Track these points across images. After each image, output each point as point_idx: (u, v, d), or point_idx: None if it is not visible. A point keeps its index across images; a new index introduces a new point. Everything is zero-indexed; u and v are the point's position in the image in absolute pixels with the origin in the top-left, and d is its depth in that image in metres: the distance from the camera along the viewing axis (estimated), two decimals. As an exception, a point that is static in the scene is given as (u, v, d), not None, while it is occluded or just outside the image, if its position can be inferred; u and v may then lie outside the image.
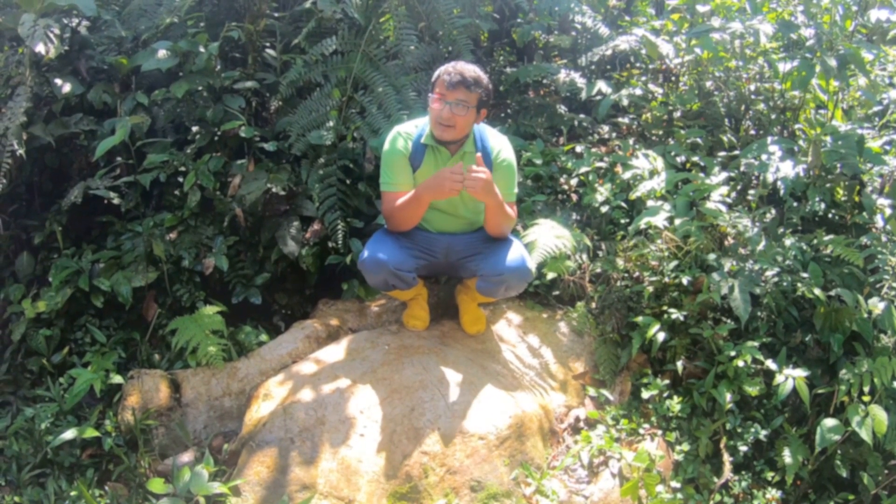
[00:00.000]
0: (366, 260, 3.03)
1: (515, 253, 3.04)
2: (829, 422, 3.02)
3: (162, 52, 3.73)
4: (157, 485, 2.68)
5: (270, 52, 4.04)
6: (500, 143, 3.07)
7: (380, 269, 3.00)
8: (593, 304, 3.44)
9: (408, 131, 3.05)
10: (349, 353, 3.09)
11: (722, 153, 4.10)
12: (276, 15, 4.07)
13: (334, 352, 3.13)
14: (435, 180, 2.87)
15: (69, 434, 3.07)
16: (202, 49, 3.61)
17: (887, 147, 3.93)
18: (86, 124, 3.78)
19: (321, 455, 2.72)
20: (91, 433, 3.07)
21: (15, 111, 3.73)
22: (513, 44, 4.26)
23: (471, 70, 2.88)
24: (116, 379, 3.29)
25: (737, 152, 4.05)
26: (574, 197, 3.75)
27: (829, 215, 3.81)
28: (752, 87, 4.53)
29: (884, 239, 3.55)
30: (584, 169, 3.66)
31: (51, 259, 3.82)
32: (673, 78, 4.69)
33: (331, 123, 3.57)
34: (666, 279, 3.31)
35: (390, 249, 3.02)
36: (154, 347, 3.57)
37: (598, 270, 3.48)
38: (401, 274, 3.01)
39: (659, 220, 3.29)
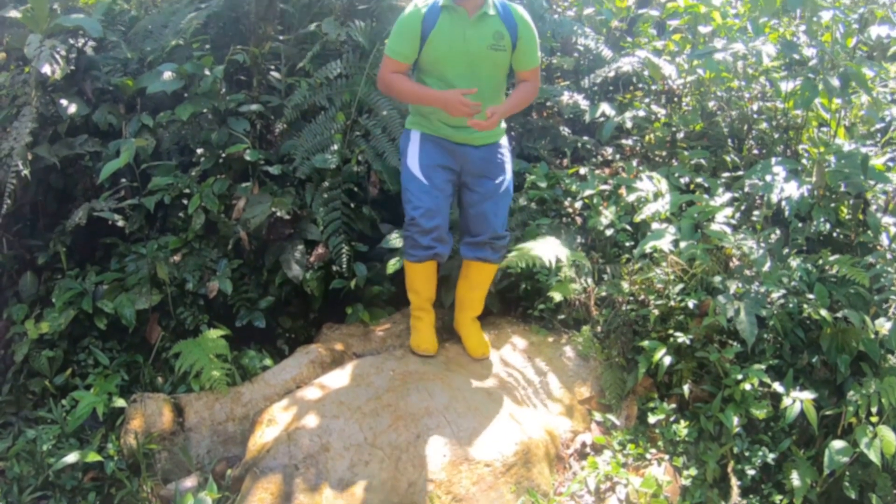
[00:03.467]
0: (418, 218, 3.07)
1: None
2: (838, 444, 2.98)
3: (167, 75, 3.71)
4: (159, 513, 2.63)
5: (275, 74, 4.02)
6: (521, 14, 3.09)
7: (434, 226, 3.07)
8: (599, 328, 3.40)
9: (426, 3, 3.05)
10: (354, 379, 3.05)
11: (726, 174, 4.08)
12: (280, 38, 4.05)
13: (339, 377, 3.09)
14: (444, 98, 2.93)
15: (71, 457, 3.02)
16: (207, 72, 3.59)
17: (890, 164, 3.89)
18: (91, 146, 3.76)
19: (326, 482, 2.67)
20: (93, 457, 3.03)
21: (20, 131, 3.71)
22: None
23: None
24: (119, 402, 3.25)
25: (740, 173, 4.03)
26: (579, 220, 3.72)
27: (835, 234, 3.78)
28: (755, 107, 4.51)
29: (889, 257, 3.51)
30: (588, 192, 3.63)
31: (54, 279, 3.79)
32: (676, 98, 4.67)
33: (335, 147, 3.54)
34: (672, 303, 3.27)
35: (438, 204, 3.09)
36: (157, 370, 3.53)
37: (604, 294, 3.44)
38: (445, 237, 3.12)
39: (664, 244, 3.26)
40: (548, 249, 3.21)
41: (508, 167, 3.23)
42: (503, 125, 3.26)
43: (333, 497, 2.62)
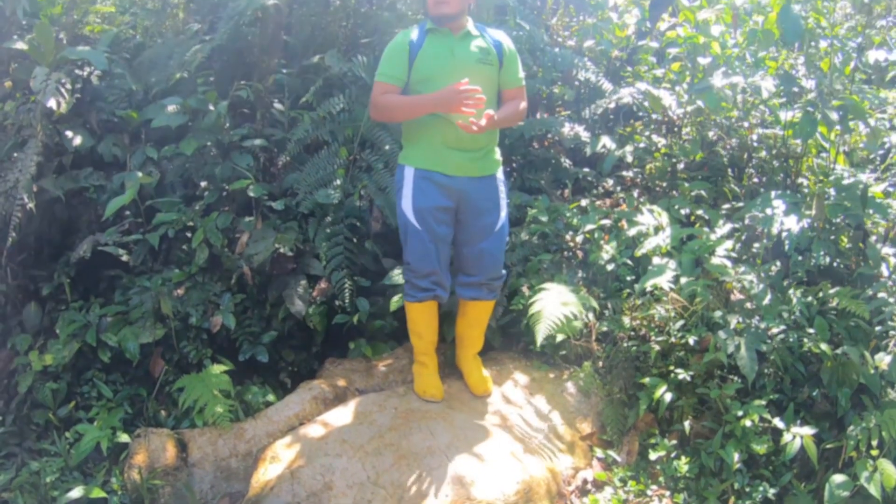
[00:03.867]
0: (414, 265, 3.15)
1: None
2: (838, 478, 2.99)
3: (171, 108, 3.75)
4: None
5: (279, 106, 4.06)
6: (502, 35, 3.24)
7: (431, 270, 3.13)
8: (600, 364, 3.43)
9: (412, 28, 3.17)
10: (357, 417, 3.08)
11: (726, 205, 4.11)
12: (284, 71, 4.10)
13: (342, 415, 3.12)
14: (440, 95, 2.96)
15: (76, 493, 3.05)
16: (211, 107, 3.63)
17: (891, 189, 3.92)
18: (96, 179, 3.81)
19: (329, 522, 2.69)
20: (98, 493, 3.06)
21: (25, 164, 3.75)
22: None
23: None
24: (123, 437, 3.28)
25: (741, 204, 4.06)
26: (580, 254, 3.75)
27: (835, 264, 3.80)
28: (755, 137, 4.55)
29: (890, 286, 3.53)
30: (589, 226, 3.66)
31: (58, 310, 3.83)
32: (676, 128, 4.71)
33: (338, 182, 3.59)
34: (672, 339, 3.31)
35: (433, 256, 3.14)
36: (161, 404, 3.56)
37: (605, 329, 3.47)
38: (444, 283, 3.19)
39: (664, 281, 3.29)
40: (556, 303, 3.22)
41: (504, 203, 3.25)
42: (499, 157, 3.28)
43: (336, 536, 2.65)
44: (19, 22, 4.38)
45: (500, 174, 3.27)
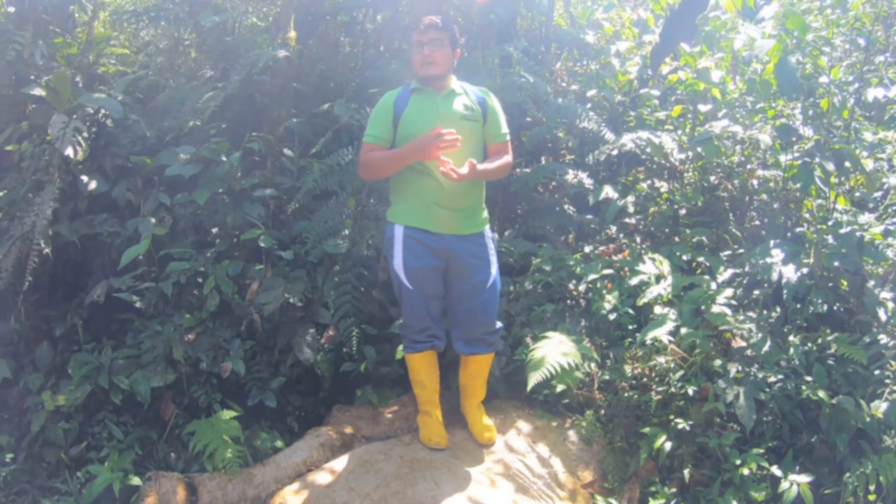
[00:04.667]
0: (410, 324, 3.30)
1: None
2: None
3: (183, 157, 3.91)
4: None
5: (288, 153, 4.21)
6: (485, 92, 3.42)
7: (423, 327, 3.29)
8: (602, 413, 3.54)
9: (397, 90, 3.34)
10: (363, 465, 3.19)
11: (727, 252, 4.24)
12: (294, 119, 4.26)
13: (349, 462, 3.23)
14: (418, 143, 3.09)
15: (88, 534, 3.17)
16: (224, 158, 3.78)
17: (891, 227, 4.03)
18: (110, 225, 3.95)
19: (335, 570, 2.80)
20: (110, 534, 3.17)
21: (41, 208, 3.91)
22: (521, 143, 4.45)
23: (437, 15, 3.27)
24: (135, 480, 3.40)
25: (742, 250, 4.19)
26: (583, 303, 3.88)
27: (835, 308, 3.90)
28: (756, 181, 4.69)
29: (884, 339, 3.63)
30: (592, 276, 3.78)
31: (70, 350, 3.97)
32: (678, 174, 4.85)
33: (346, 231, 3.72)
34: (672, 389, 3.42)
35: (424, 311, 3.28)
36: (170, 446, 3.68)
37: (607, 378, 3.58)
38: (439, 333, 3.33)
39: (663, 334, 3.41)
40: (556, 351, 3.34)
41: (494, 259, 3.35)
42: (486, 215, 3.39)
43: (343, 584, 2.75)
44: (36, 63, 4.56)
45: (487, 231, 3.38)
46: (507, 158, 3.36)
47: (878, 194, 4.63)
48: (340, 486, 3.08)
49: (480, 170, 3.14)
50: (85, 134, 3.92)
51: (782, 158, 4.32)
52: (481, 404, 3.51)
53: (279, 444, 3.53)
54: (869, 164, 4.28)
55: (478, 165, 3.10)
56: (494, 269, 3.33)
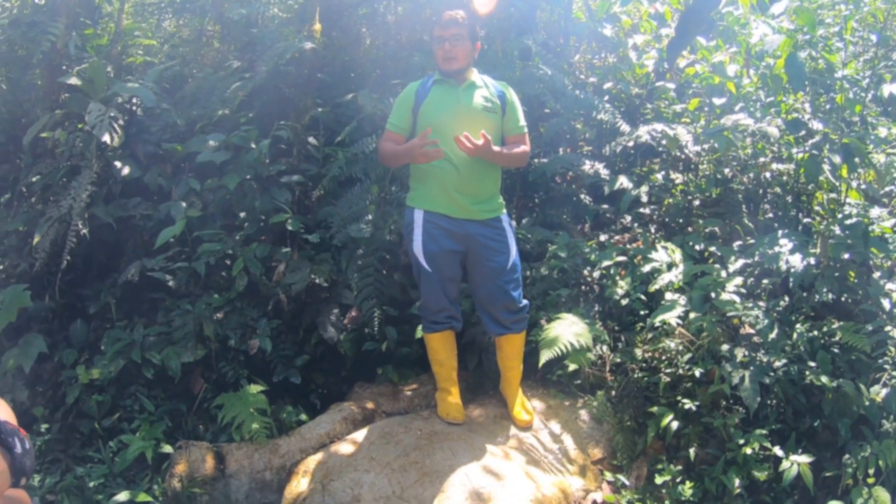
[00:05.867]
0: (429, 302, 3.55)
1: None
2: None
3: (212, 143, 4.20)
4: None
5: (313, 141, 4.50)
6: (504, 86, 3.65)
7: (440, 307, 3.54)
8: (612, 393, 3.79)
9: (419, 80, 3.62)
10: (383, 437, 3.47)
11: (739, 242, 4.47)
12: (319, 109, 4.54)
13: (370, 434, 3.51)
14: (407, 147, 3.36)
15: (122, 496, 3.45)
16: (253, 145, 4.07)
17: None
18: (144, 208, 4.24)
19: (357, 531, 3.07)
20: (144, 497, 3.45)
21: (78, 192, 4.20)
22: (540, 134, 4.71)
23: (457, 11, 3.50)
24: (166, 448, 3.69)
25: (752, 241, 4.42)
26: (597, 288, 4.13)
27: (843, 299, 4.12)
28: (769, 174, 4.92)
29: (888, 328, 3.85)
30: (606, 263, 4.04)
31: (103, 328, 4.27)
32: (692, 165, 5.09)
33: (369, 217, 4.00)
34: (680, 371, 3.67)
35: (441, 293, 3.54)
36: (199, 419, 3.97)
37: (618, 360, 3.84)
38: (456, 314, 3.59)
39: (672, 317, 3.66)
40: (568, 332, 3.60)
41: (512, 242, 3.59)
42: (502, 202, 3.64)
43: (364, 545, 3.03)
44: (69, 54, 4.87)
45: (504, 216, 3.63)
46: (524, 148, 3.60)
47: (893, 187, 4.83)
48: (362, 456, 3.36)
49: (496, 150, 3.39)
50: (120, 122, 4.21)
51: (794, 152, 4.54)
52: (520, 388, 3.75)
53: (303, 417, 3.82)
54: (881, 160, 4.49)
55: (493, 146, 3.35)
56: (514, 251, 3.57)
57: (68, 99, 4.71)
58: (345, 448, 3.44)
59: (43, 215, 4.32)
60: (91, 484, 3.57)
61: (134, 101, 4.63)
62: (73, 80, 4.49)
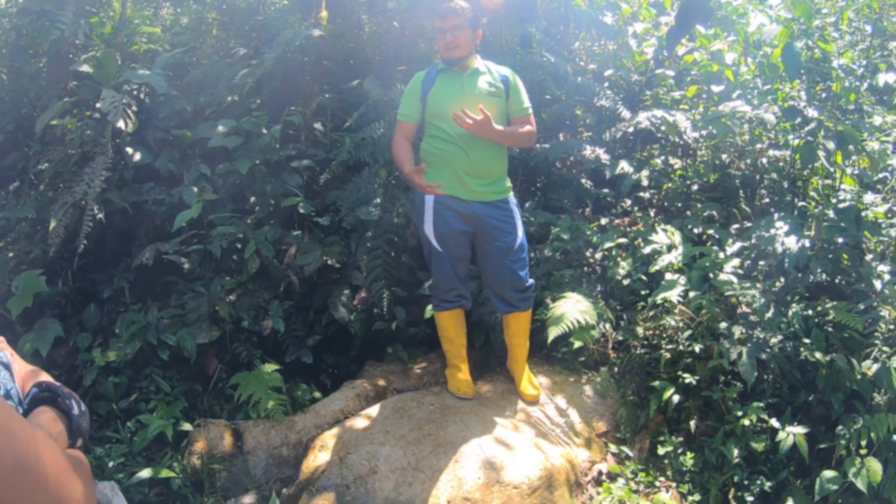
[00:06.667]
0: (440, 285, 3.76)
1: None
2: (828, 473, 3.51)
3: (221, 129, 4.38)
4: (233, 521, 3.26)
5: (319, 127, 4.69)
6: (507, 70, 3.84)
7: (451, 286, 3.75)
8: (615, 370, 4.02)
9: (425, 70, 3.82)
10: (397, 411, 3.68)
11: (736, 225, 4.70)
12: (326, 95, 4.73)
13: (383, 409, 3.72)
14: (408, 174, 3.61)
15: (145, 473, 3.61)
16: (264, 130, 4.26)
17: (895, 209, 4.48)
18: (157, 193, 4.43)
19: (374, 500, 3.28)
20: (166, 473, 3.62)
21: (92, 178, 4.37)
22: (541, 120, 4.91)
23: (455, 1, 3.66)
24: (185, 426, 3.86)
25: (749, 224, 4.65)
26: (599, 269, 4.35)
27: (837, 281, 4.36)
28: (766, 160, 5.15)
29: (879, 307, 4.09)
30: (608, 244, 4.26)
31: (117, 312, 4.43)
32: (691, 151, 5.31)
33: (378, 200, 4.19)
34: (680, 347, 3.89)
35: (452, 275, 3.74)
36: (214, 398, 4.16)
37: (620, 338, 4.07)
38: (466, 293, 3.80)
39: (673, 295, 3.88)
40: (574, 309, 3.82)
41: (519, 223, 3.79)
42: (509, 184, 3.84)
43: (380, 514, 3.25)
44: (75, 43, 5.04)
45: (511, 198, 3.84)
46: (530, 128, 3.78)
47: (887, 173, 5.07)
48: (377, 430, 3.58)
49: (498, 129, 3.57)
50: (134, 108, 4.39)
51: (790, 138, 4.77)
52: (527, 364, 3.97)
53: (317, 395, 4.02)
54: (875, 146, 4.72)
55: (496, 125, 3.54)
56: (521, 232, 3.78)
57: (78, 87, 4.88)
58: (360, 423, 3.65)
59: (54, 202, 4.48)
60: (111, 463, 3.73)
61: (141, 88, 4.80)
62: (85, 68, 4.65)
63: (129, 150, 4.54)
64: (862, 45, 5.89)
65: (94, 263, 4.66)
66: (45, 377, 1.54)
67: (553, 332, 3.75)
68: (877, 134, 4.84)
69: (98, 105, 4.44)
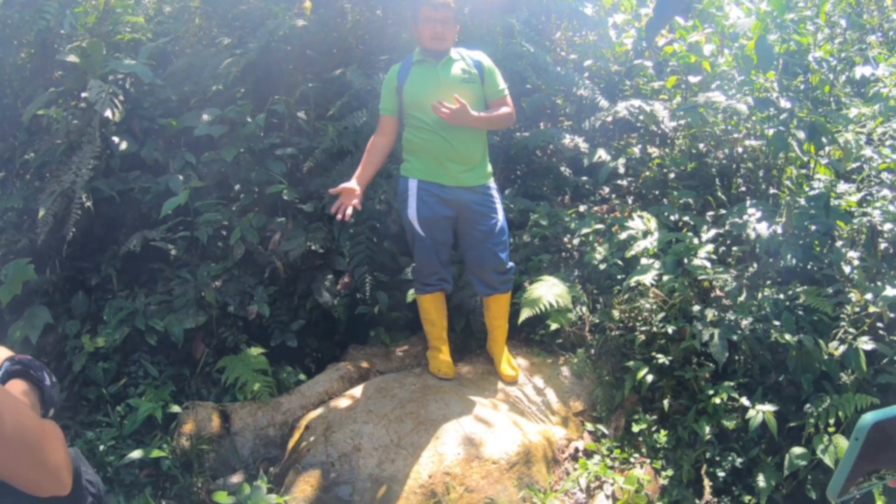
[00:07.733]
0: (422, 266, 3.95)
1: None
2: (797, 450, 3.73)
3: (206, 117, 4.56)
4: (221, 497, 3.43)
5: (302, 116, 4.88)
6: (480, 55, 4.00)
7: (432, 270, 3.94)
8: (592, 351, 4.24)
9: (400, 63, 3.98)
10: (379, 392, 3.88)
11: (711, 213, 4.93)
12: (310, 84, 4.92)
13: (366, 390, 3.92)
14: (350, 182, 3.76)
15: (136, 454, 3.79)
16: (248, 119, 4.44)
17: (869, 198, 4.71)
18: (143, 181, 4.60)
19: (358, 476, 3.48)
20: (157, 453, 3.79)
21: (80, 167, 4.53)
22: (522, 109, 5.12)
23: None
24: (174, 408, 4.05)
25: (724, 211, 4.87)
26: (576, 254, 4.57)
27: (809, 266, 4.59)
28: (741, 149, 5.37)
29: (848, 290, 4.32)
30: (585, 230, 4.48)
31: (104, 299, 4.59)
32: (668, 140, 5.53)
33: (360, 188, 4.38)
34: (654, 329, 4.11)
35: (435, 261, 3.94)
36: (202, 382, 4.35)
37: (597, 321, 4.29)
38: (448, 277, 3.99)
39: (648, 279, 4.10)
40: (549, 292, 4.04)
41: (499, 207, 4.00)
42: (490, 170, 4.03)
43: (364, 490, 3.44)
44: (60, 33, 5.19)
45: (492, 183, 4.03)
46: (507, 109, 3.96)
47: (861, 164, 5.31)
48: (360, 409, 3.78)
49: (475, 115, 3.76)
50: (121, 97, 4.56)
51: (765, 128, 4.99)
52: (506, 346, 4.18)
53: (302, 377, 4.22)
54: (849, 138, 4.95)
55: (472, 111, 3.72)
56: (501, 216, 3.98)
57: (64, 76, 5.04)
58: (343, 403, 3.86)
59: (41, 192, 4.64)
60: (101, 447, 3.90)
61: (127, 77, 4.96)
62: (72, 58, 4.81)
63: (116, 139, 4.70)
64: (840, 38, 6.13)
65: (81, 251, 4.81)
66: (8, 352, 1.69)
67: (525, 313, 3.96)
68: (851, 125, 5.07)
69: (85, 95, 4.59)
